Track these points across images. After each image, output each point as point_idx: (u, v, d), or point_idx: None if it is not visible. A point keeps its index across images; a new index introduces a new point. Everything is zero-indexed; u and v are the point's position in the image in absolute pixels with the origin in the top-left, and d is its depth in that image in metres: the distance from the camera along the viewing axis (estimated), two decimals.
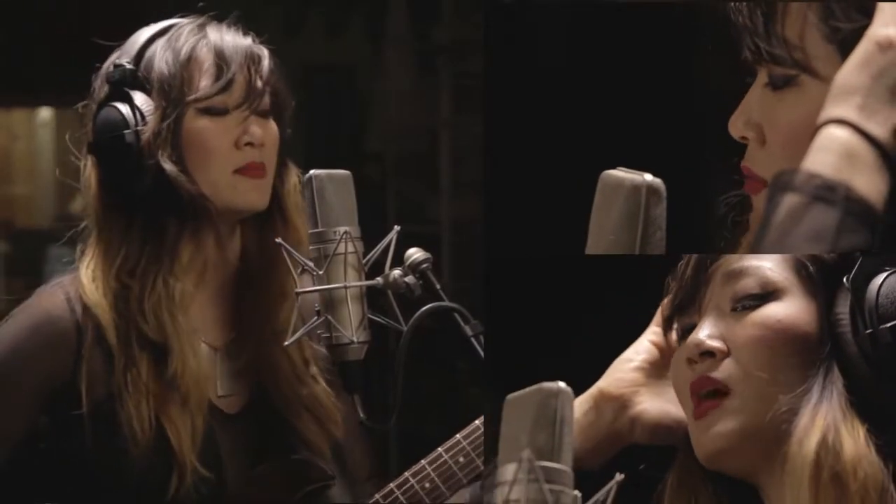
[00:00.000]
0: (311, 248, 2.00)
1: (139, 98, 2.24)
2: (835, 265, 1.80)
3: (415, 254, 2.03)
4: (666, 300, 1.92)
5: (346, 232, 1.98)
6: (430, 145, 5.46)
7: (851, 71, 1.68)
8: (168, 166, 2.21)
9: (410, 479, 2.37)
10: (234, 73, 2.24)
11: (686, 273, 1.86)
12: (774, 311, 1.80)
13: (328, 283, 1.98)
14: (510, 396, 1.51)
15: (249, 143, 2.26)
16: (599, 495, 1.51)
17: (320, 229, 1.99)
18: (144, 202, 2.24)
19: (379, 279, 2.01)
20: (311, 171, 2.00)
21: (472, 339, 1.99)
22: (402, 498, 2.35)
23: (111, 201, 2.26)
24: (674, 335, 1.91)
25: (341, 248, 1.98)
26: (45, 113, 6.25)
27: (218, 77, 2.25)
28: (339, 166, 2.04)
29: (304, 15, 5.56)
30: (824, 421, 1.74)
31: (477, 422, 2.37)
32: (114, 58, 2.30)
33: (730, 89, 1.87)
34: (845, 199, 1.62)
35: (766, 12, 1.78)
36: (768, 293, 1.81)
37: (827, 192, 1.62)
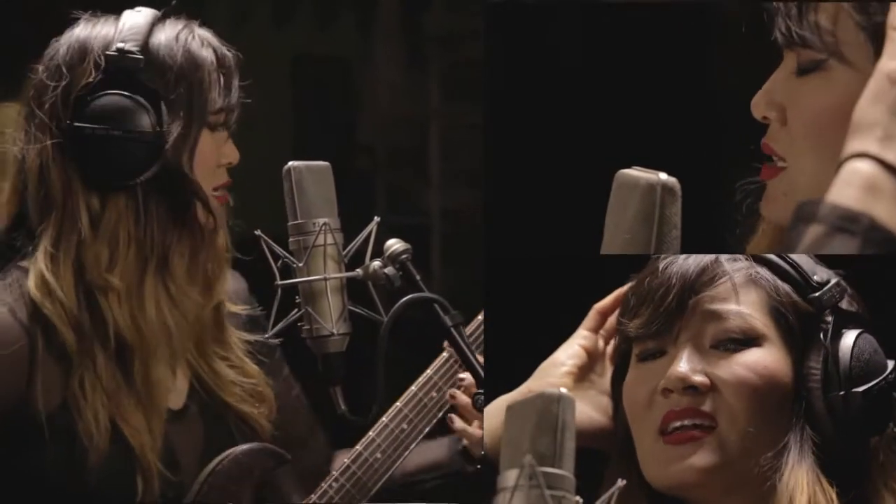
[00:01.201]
0: (290, 239, 2.00)
1: (158, 96, 2.15)
2: (810, 317, 1.84)
3: (394, 245, 2.02)
4: (619, 309, 1.93)
5: (325, 223, 1.98)
6: (421, 136, 5.44)
7: (867, 106, 1.69)
8: (193, 176, 2.17)
9: (363, 452, 2.40)
10: (236, 89, 2.22)
11: (667, 300, 1.86)
12: (760, 356, 1.83)
13: (308, 275, 1.98)
14: (512, 403, 1.51)
15: (228, 163, 2.24)
16: (601, 501, 1.51)
17: (299, 221, 1.99)
18: (129, 195, 2.16)
19: (359, 270, 2.01)
20: (290, 163, 2.00)
21: (453, 330, 1.98)
22: (358, 472, 2.37)
23: (78, 188, 2.16)
24: (614, 349, 1.93)
25: (321, 240, 1.98)
26: None
27: (226, 91, 2.20)
28: (329, 157, 2.03)
29: (294, 6, 5.55)
30: (807, 482, 1.77)
31: (413, 387, 2.40)
32: (100, 35, 2.17)
33: (741, 81, 1.88)
34: (867, 229, 1.63)
35: None
36: (750, 339, 1.84)
37: (849, 222, 1.63)
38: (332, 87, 5.59)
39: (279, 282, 2.00)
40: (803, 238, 1.67)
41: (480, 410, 1.98)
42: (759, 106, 1.85)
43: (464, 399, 2.33)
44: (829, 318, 1.83)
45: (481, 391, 2.00)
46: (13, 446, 2.14)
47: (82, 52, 2.17)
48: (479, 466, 2.35)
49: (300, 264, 1.98)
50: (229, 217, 2.26)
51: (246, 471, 2.28)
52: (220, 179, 2.24)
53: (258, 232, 2.03)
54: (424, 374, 2.43)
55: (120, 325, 2.16)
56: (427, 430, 2.42)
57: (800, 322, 1.84)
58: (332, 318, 1.97)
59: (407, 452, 2.40)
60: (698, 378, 1.82)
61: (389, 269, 2.00)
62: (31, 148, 2.16)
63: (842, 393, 1.79)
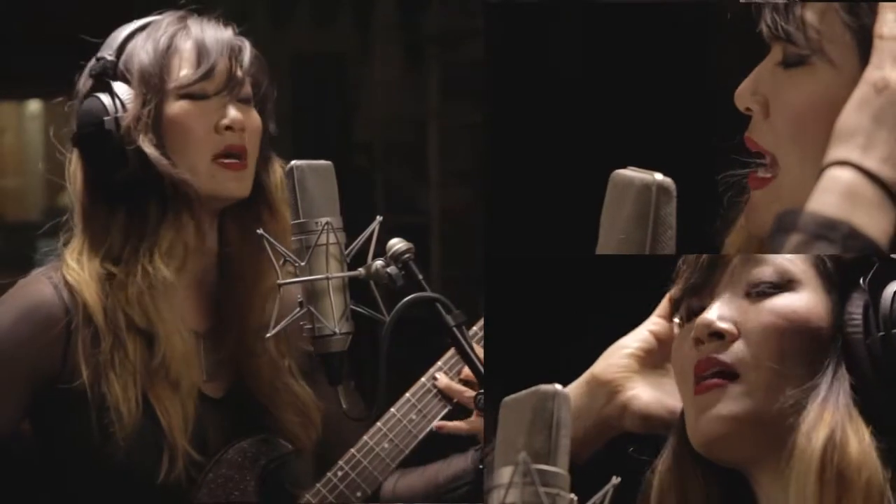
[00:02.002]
0: (292, 238, 2.00)
1: (120, 87, 2.27)
2: (851, 265, 1.80)
3: (397, 244, 2.02)
4: (675, 286, 1.91)
5: (327, 222, 1.98)
6: (418, 135, 5.44)
7: (851, 113, 1.69)
8: (149, 149, 2.23)
9: (368, 441, 2.40)
10: (216, 61, 2.28)
11: (702, 257, 1.85)
12: (790, 301, 1.80)
13: (310, 275, 1.98)
14: (507, 399, 1.50)
15: (229, 128, 2.27)
16: (596, 498, 1.50)
17: (302, 220, 1.99)
18: (127, 190, 2.26)
19: (361, 270, 2.01)
20: (293, 162, 2.01)
21: (455, 329, 1.99)
22: (364, 461, 2.38)
23: (95, 193, 2.29)
24: (676, 319, 1.89)
25: (323, 239, 1.98)
26: (33, 105, 6.24)
27: (199, 65, 2.27)
28: (328, 156, 2.04)
29: (292, 4, 5.55)
30: (832, 417, 1.73)
31: (423, 378, 2.42)
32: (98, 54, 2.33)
33: (730, 77, 1.88)
34: (846, 236, 1.63)
35: None
36: (785, 282, 1.81)
37: (828, 230, 1.63)
38: (330, 86, 5.59)
39: (281, 281, 2.01)
40: (784, 247, 1.67)
41: (481, 410, 1.99)
42: (744, 96, 1.84)
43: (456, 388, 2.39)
44: (872, 267, 1.78)
45: (482, 391, 2.01)
46: (52, 414, 2.26)
47: (84, 73, 2.34)
48: (480, 466, 2.36)
49: (302, 263, 1.98)
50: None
51: (250, 460, 2.29)
52: (220, 145, 2.28)
53: (260, 231, 2.04)
54: (434, 366, 2.44)
55: (126, 311, 2.25)
56: (436, 420, 2.42)
57: (840, 268, 1.80)
58: (334, 318, 1.97)
59: (415, 443, 2.40)
60: (724, 325, 1.79)
61: (392, 269, 2.00)
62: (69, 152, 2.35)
63: (881, 335, 1.75)
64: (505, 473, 1.46)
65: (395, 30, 5.63)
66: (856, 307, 1.78)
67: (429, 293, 2.00)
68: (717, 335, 1.80)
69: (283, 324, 2.00)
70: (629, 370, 1.92)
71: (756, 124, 1.83)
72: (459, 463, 2.45)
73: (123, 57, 2.30)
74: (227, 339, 2.33)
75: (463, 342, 1.99)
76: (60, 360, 2.24)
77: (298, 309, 1.99)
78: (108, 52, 2.31)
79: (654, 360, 1.94)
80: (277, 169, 2.35)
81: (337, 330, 1.97)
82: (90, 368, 2.23)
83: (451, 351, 2.43)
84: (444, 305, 2.00)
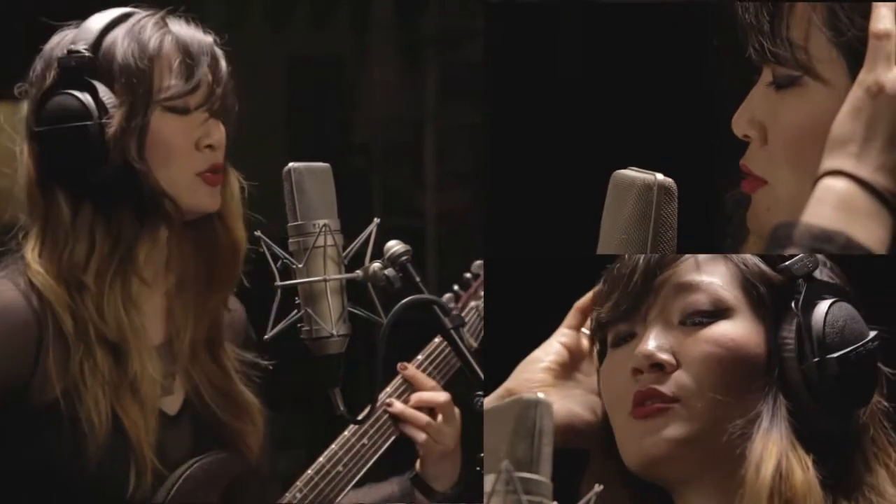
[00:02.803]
0: (290, 240, 2.00)
1: (101, 89, 2.19)
2: (782, 288, 1.81)
3: (394, 246, 2.02)
4: (593, 302, 1.93)
5: (325, 225, 1.98)
6: (416, 137, 5.44)
7: (845, 120, 1.69)
8: (137, 164, 2.18)
9: (325, 464, 2.44)
10: (202, 73, 2.21)
11: (633, 280, 1.85)
12: (726, 329, 1.81)
13: (308, 276, 1.97)
14: (489, 407, 1.51)
15: (209, 146, 2.24)
16: None
17: (299, 222, 1.99)
18: (94, 196, 2.19)
19: (358, 272, 2.01)
20: (290, 164, 2.00)
21: (452, 332, 1.98)
22: (321, 483, 2.40)
23: (54, 191, 2.20)
24: (594, 340, 1.92)
25: (321, 241, 1.97)
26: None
27: (188, 75, 2.21)
28: (325, 158, 2.03)
29: (290, 6, 5.55)
30: (777, 448, 1.75)
31: (376, 404, 2.44)
32: (64, 41, 2.23)
33: (735, 85, 1.87)
34: (843, 247, 1.63)
35: (772, 12, 1.79)
36: (719, 311, 1.82)
37: (824, 242, 1.64)
38: (327, 88, 5.58)
39: (278, 283, 2.00)
40: None
41: (479, 412, 1.98)
42: (740, 123, 1.84)
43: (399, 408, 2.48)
44: (803, 288, 1.81)
45: (480, 392, 2.00)
46: (20, 426, 2.17)
47: (46, 60, 2.24)
48: (478, 468, 2.36)
49: (300, 265, 1.98)
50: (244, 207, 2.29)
51: (213, 476, 2.28)
52: (203, 164, 2.24)
53: (258, 233, 2.04)
54: (384, 391, 2.48)
55: (97, 324, 2.19)
56: (386, 445, 2.46)
57: (771, 292, 1.82)
58: (331, 320, 1.97)
59: (366, 467, 2.43)
60: (664, 356, 1.81)
61: (389, 271, 2.00)
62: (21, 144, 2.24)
63: (816, 360, 1.76)
64: (488, 482, 1.47)
65: (392, 31, 5.63)
66: (788, 332, 1.79)
67: (426, 295, 2.00)
68: (658, 366, 1.81)
69: (280, 326, 2.00)
70: (545, 384, 1.93)
71: (752, 152, 1.83)
72: (385, 489, 2.48)
73: (101, 53, 2.20)
74: (181, 353, 2.29)
75: (460, 344, 1.99)
76: (30, 368, 2.16)
77: (296, 311, 1.98)
78: (81, 44, 2.20)
79: (565, 372, 1.96)
80: (234, 180, 2.30)
81: (334, 332, 1.97)
82: (61, 379, 2.16)
83: (399, 379, 2.47)
84: (442, 307, 2.00)
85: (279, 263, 2.00)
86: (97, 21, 2.23)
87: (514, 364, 2.00)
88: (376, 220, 2.02)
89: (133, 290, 2.21)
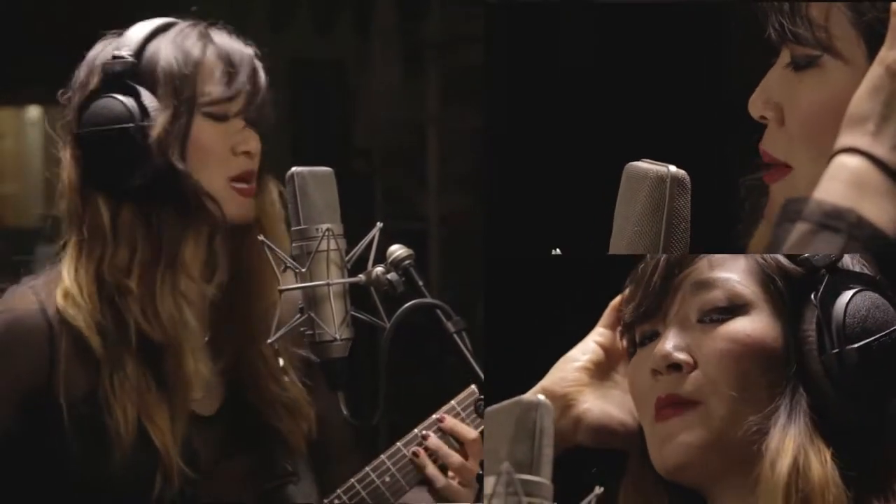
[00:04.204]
0: (293, 245, 2.00)
1: (144, 93, 2.20)
2: (802, 281, 1.79)
3: (397, 250, 2.02)
4: (622, 302, 1.91)
5: (328, 229, 1.98)
6: (418, 141, 5.45)
7: (863, 98, 1.67)
8: (181, 166, 2.19)
9: (371, 473, 2.38)
10: (243, 81, 2.24)
11: (653, 280, 1.84)
12: (743, 325, 1.79)
13: (311, 281, 1.98)
14: (490, 409, 1.50)
15: (245, 152, 2.25)
16: None
17: (303, 226, 1.99)
18: (135, 198, 2.20)
19: (362, 276, 2.01)
20: (293, 169, 2.00)
21: (455, 336, 1.99)
22: (363, 493, 2.37)
23: (95, 195, 2.22)
24: (625, 340, 1.90)
25: (324, 246, 1.98)
26: (33, 111, 6.24)
27: (228, 82, 2.23)
28: (328, 162, 2.03)
29: (292, 10, 5.56)
30: (794, 443, 1.73)
31: (434, 416, 2.40)
32: (108, 48, 2.26)
33: (744, 74, 1.87)
34: (853, 225, 1.61)
35: None
36: (736, 307, 1.80)
37: (833, 219, 1.62)
38: (329, 92, 5.60)
39: (282, 287, 2.01)
40: (789, 236, 1.65)
41: (481, 416, 1.98)
42: (757, 104, 1.83)
43: (436, 442, 2.39)
44: (824, 279, 1.77)
45: (482, 396, 2.00)
46: (38, 435, 2.19)
47: (89, 66, 2.26)
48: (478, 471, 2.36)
49: (303, 269, 1.98)
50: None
51: (246, 479, 2.28)
52: (236, 169, 2.25)
53: (261, 237, 2.04)
54: (411, 433, 2.42)
55: (142, 328, 2.19)
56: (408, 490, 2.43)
57: (790, 286, 1.79)
58: (334, 324, 1.97)
59: (415, 482, 2.40)
60: (681, 356, 1.79)
61: (392, 275, 2.00)
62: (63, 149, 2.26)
63: (835, 351, 1.73)
64: (488, 484, 1.46)
65: (394, 35, 5.64)
66: (808, 324, 1.76)
67: (429, 299, 2.00)
68: (675, 366, 1.80)
69: (283, 330, 2.00)
70: (580, 384, 1.91)
71: (770, 134, 1.82)
72: (416, 496, 2.43)
73: (144, 59, 2.23)
74: (224, 353, 2.30)
75: (463, 349, 1.99)
76: (45, 376, 2.18)
77: (299, 315, 1.99)
78: (125, 50, 2.23)
79: (602, 372, 1.93)
80: (273, 188, 2.30)
81: (337, 336, 1.97)
82: (79, 392, 2.17)
83: (468, 391, 2.42)
84: (445, 312, 2.00)
85: (282, 267, 2.01)
86: (140, 29, 2.26)
87: (516, 367, 2.00)
88: (379, 225, 2.02)
89: (181, 287, 2.21)
